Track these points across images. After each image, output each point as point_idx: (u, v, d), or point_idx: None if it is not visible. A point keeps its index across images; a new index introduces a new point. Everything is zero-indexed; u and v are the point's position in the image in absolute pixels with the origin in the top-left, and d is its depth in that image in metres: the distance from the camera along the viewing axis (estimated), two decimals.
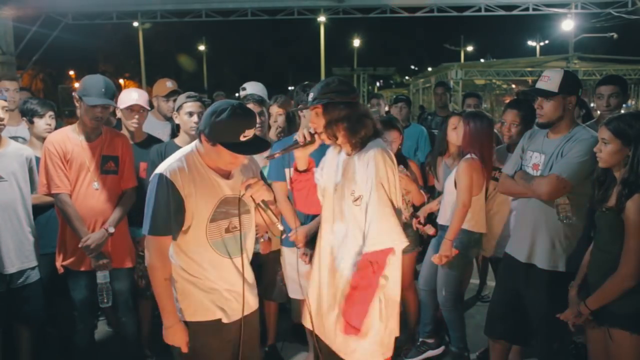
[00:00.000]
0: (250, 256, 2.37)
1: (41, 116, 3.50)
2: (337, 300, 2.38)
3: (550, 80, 2.70)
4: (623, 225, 2.28)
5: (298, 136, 2.35)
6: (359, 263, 2.28)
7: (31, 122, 3.53)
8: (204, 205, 2.17)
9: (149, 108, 3.57)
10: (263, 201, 2.23)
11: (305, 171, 2.46)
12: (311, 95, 2.35)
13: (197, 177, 2.17)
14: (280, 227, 2.27)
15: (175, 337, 2.18)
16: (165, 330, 2.19)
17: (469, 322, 4.23)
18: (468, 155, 3.32)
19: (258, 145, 2.17)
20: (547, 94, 2.69)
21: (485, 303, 4.62)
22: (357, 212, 2.30)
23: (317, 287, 2.49)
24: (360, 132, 2.29)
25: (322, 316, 2.46)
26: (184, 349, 2.19)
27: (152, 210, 2.13)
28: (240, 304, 2.26)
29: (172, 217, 2.13)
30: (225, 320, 2.23)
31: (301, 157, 2.42)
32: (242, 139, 2.08)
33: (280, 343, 3.78)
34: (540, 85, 2.75)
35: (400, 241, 2.29)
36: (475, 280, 4.77)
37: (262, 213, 2.25)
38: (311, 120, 2.36)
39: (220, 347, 2.24)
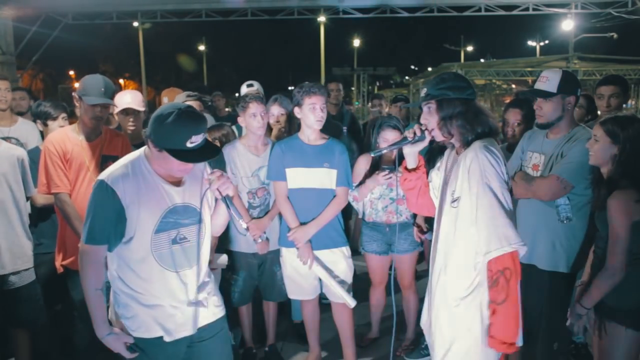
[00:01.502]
0: (203, 268, 2.22)
1: (54, 118, 3.52)
2: (437, 304, 2.22)
3: (548, 80, 2.69)
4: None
5: (408, 133, 2.22)
6: (488, 277, 2.04)
7: (45, 125, 3.54)
8: (148, 215, 2.03)
9: (142, 109, 3.55)
10: (227, 196, 2.12)
11: (415, 169, 2.31)
12: (424, 91, 2.24)
13: (142, 184, 2.03)
14: (244, 225, 2.18)
15: (111, 345, 2.09)
16: (102, 340, 2.10)
17: None
18: None
19: (206, 152, 2.02)
20: (546, 95, 2.68)
21: None
22: (453, 214, 2.13)
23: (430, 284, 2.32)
24: (475, 129, 2.11)
25: (431, 313, 2.30)
26: (126, 355, 2.10)
27: (90, 218, 2.02)
28: (189, 320, 2.15)
29: (110, 226, 2.01)
30: (167, 339, 2.11)
31: (410, 154, 2.27)
32: (188, 145, 1.93)
33: (280, 343, 3.78)
34: (539, 86, 2.74)
35: (518, 243, 2.02)
36: None
37: (227, 209, 2.15)
38: (423, 116, 2.22)
39: None
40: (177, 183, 2.12)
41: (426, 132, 2.19)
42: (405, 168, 2.33)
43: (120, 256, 2.09)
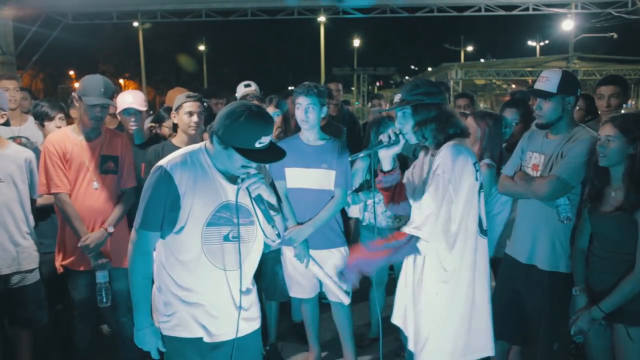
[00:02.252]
0: (250, 274, 2.19)
1: (51, 119, 3.52)
2: (409, 299, 2.36)
3: (548, 81, 2.67)
4: (636, 225, 2.28)
5: (383, 137, 2.29)
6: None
7: (42, 125, 3.55)
8: (202, 205, 2.01)
9: (144, 109, 3.55)
10: (259, 196, 2.05)
11: (390, 171, 2.35)
12: (398, 96, 2.33)
13: (200, 175, 2.03)
14: (274, 231, 2.09)
15: (146, 340, 2.07)
16: (137, 332, 2.07)
17: None
18: (488, 161, 3.20)
19: (274, 153, 2.02)
20: (545, 95, 2.67)
21: None
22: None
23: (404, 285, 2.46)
24: (447, 132, 2.25)
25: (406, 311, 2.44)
26: (154, 355, 2.09)
27: (145, 202, 2.01)
28: (228, 325, 2.09)
29: (164, 212, 2.00)
30: (206, 339, 2.07)
31: (386, 157, 2.32)
32: (257, 145, 1.93)
33: (281, 343, 3.78)
34: (538, 86, 2.72)
35: (425, 237, 2.19)
36: None
37: (257, 210, 2.08)
38: (398, 120, 2.32)
39: None
40: (234, 181, 2.08)
41: (400, 136, 2.28)
42: (381, 170, 2.38)
43: (169, 246, 2.06)
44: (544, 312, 2.74)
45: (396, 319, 2.50)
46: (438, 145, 2.27)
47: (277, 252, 3.40)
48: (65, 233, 3.04)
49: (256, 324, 2.23)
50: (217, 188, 2.05)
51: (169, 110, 3.82)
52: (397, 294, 2.50)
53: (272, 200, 2.10)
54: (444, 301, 2.27)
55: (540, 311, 2.77)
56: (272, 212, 2.08)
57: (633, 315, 2.33)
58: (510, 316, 2.94)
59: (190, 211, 2.01)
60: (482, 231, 2.31)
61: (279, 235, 2.13)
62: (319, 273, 3.23)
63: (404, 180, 2.46)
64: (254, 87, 4.50)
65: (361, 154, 2.39)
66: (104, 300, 3.00)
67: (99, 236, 2.98)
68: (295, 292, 3.40)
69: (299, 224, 3.20)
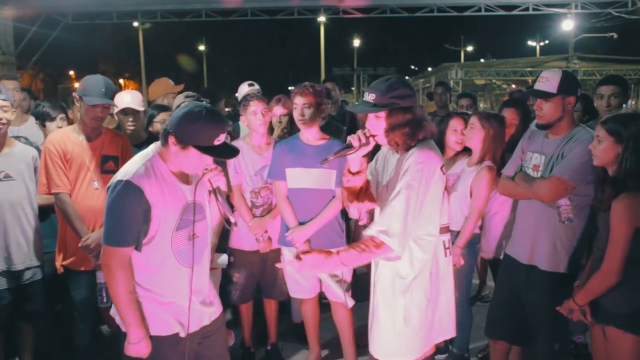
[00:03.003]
0: (207, 263, 2.29)
1: (53, 119, 3.54)
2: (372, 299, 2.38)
3: (548, 81, 2.67)
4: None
5: (352, 139, 2.24)
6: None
7: (43, 126, 3.56)
8: (171, 212, 2.08)
9: (141, 109, 3.54)
10: (218, 188, 2.19)
11: (358, 172, 2.35)
12: (372, 97, 2.21)
13: (162, 183, 2.07)
14: (233, 219, 2.25)
15: (140, 351, 2.09)
16: (131, 346, 2.08)
17: None
18: (489, 163, 3.22)
19: (230, 150, 2.14)
20: (546, 95, 2.66)
21: (485, 303, 4.62)
22: None
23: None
24: (418, 136, 2.22)
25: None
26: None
27: (118, 219, 2.02)
28: (198, 317, 2.20)
29: (138, 226, 2.02)
30: (182, 334, 2.15)
31: (355, 159, 2.31)
32: (215, 142, 2.03)
33: (281, 343, 3.78)
34: (538, 86, 2.72)
35: (396, 248, 2.13)
36: (475, 280, 4.77)
37: (216, 201, 2.21)
38: (369, 122, 2.25)
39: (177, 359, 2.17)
40: (187, 181, 2.17)
41: (371, 138, 2.23)
42: (349, 171, 2.36)
43: (142, 257, 2.08)
44: (544, 312, 2.74)
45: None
46: (407, 149, 2.23)
47: (277, 252, 3.40)
48: (66, 233, 3.05)
49: (220, 307, 2.37)
50: (177, 192, 2.12)
51: (158, 107, 3.85)
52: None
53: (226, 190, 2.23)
54: (405, 300, 2.28)
55: (540, 312, 2.77)
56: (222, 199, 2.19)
57: (610, 316, 2.35)
58: (510, 316, 2.95)
59: (161, 220, 2.05)
60: (439, 229, 2.30)
61: (235, 223, 2.34)
62: (322, 275, 3.22)
63: (369, 176, 2.44)
64: (257, 86, 4.52)
65: (331, 158, 2.29)
66: (104, 300, 3.00)
67: (100, 236, 2.97)
68: (295, 292, 3.40)
69: (300, 224, 3.20)
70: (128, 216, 2.01)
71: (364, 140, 2.22)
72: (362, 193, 2.41)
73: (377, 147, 2.38)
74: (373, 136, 2.23)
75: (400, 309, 2.29)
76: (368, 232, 2.18)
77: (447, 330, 2.42)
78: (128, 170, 2.05)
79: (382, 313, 2.37)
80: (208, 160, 2.09)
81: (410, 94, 2.22)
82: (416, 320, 2.29)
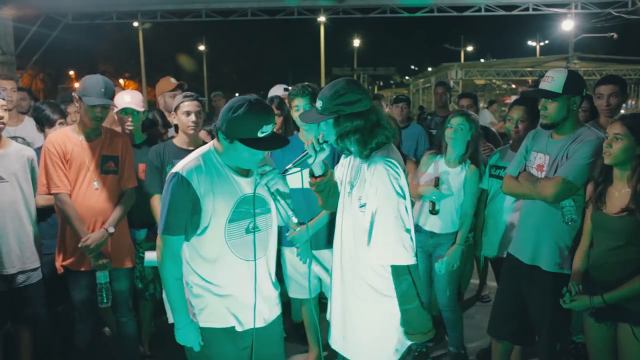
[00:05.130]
0: (272, 258, 2.31)
1: (52, 125, 3.52)
2: (341, 302, 2.33)
3: (553, 80, 2.63)
4: None
5: (308, 148, 2.25)
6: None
7: (42, 131, 3.55)
8: (222, 204, 2.11)
9: (141, 109, 3.55)
10: (278, 190, 2.19)
11: (322, 175, 2.35)
12: (320, 104, 2.19)
13: (215, 175, 2.11)
14: (295, 220, 2.23)
15: (188, 337, 2.14)
16: (178, 331, 2.15)
17: (468, 322, 4.23)
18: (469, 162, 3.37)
19: (277, 141, 2.13)
20: (551, 95, 2.63)
21: (485, 303, 4.63)
22: (361, 218, 2.21)
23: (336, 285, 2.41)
24: (371, 143, 2.18)
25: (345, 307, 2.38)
26: (196, 348, 2.16)
27: (166, 209, 2.08)
28: (260, 311, 2.21)
29: (186, 217, 2.08)
30: (239, 329, 2.18)
31: (316, 164, 2.31)
32: (259, 135, 2.02)
33: None
34: (543, 86, 2.68)
35: (405, 258, 2.12)
36: (475, 280, 4.77)
37: (278, 204, 2.22)
38: (321, 129, 2.25)
39: (235, 354, 2.20)
40: (246, 174, 2.19)
41: (325, 144, 2.23)
42: (313, 175, 2.36)
43: (194, 247, 2.14)
44: (546, 313, 2.73)
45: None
46: (366, 156, 2.20)
47: (277, 253, 3.40)
48: (66, 233, 3.04)
49: (279, 309, 2.37)
50: (232, 185, 2.14)
51: (159, 112, 3.89)
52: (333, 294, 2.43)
53: (287, 190, 2.26)
54: (383, 304, 2.23)
55: (543, 312, 2.76)
56: (288, 201, 2.22)
57: (639, 315, 2.32)
58: (513, 317, 2.94)
59: (212, 211, 2.09)
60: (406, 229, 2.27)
61: (296, 222, 2.31)
62: (321, 273, 3.22)
63: (337, 180, 2.43)
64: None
65: (291, 171, 2.26)
66: (104, 301, 3.01)
67: (100, 236, 2.98)
68: (295, 292, 3.40)
69: (301, 224, 3.20)
70: (175, 207, 2.07)
71: (317, 148, 2.22)
72: (332, 194, 2.41)
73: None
74: (327, 142, 2.23)
75: (378, 312, 2.25)
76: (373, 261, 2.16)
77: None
78: (182, 163, 2.14)
79: (357, 317, 2.29)
80: (257, 152, 2.08)
81: (359, 99, 2.14)
82: (394, 323, 2.24)
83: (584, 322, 2.56)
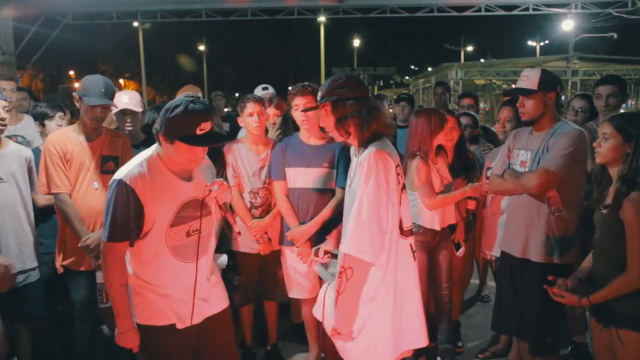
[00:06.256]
0: (211, 258, 2.35)
1: (51, 118, 3.52)
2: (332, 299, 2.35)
3: (528, 79, 2.80)
4: (622, 224, 2.27)
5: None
6: (340, 265, 2.22)
7: (42, 125, 3.55)
8: (165, 210, 2.12)
9: (139, 110, 3.54)
10: (225, 203, 2.25)
11: None
12: (319, 94, 2.30)
13: (158, 181, 2.11)
14: (237, 229, 2.34)
15: (128, 341, 2.17)
16: (119, 335, 2.17)
17: (469, 322, 4.24)
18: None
19: (215, 137, 2.16)
20: (527, 92, 2.78)
21: (485, 303, 4.63)
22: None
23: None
24: (371, 126, 2.21)
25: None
26: (136, 350, 2.19)
27: (110, 216, 2.08)
28: (200, 308, 2.24)
29: (130, 223, 2.08)
30: (179, 326, 2.19)
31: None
32: (198, 132, 2.03)
33: (281, 343, 3.78)
34: (520, 84, 2.85)
35: (370, 257, 2.15)
36: (475, 280, 4.78)
37: (226, 215, 2.26)
38: (321, 119, 2.31)
39: (178, 351, 2.21)
40: (188, 178, 2.20)
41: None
42: None
43: (135, 250, 2.15)
44: (536, 304, 2.78)
45: (317, 312, 2.48)
46: (362, 143, 2.23)
47: (278, 253, 3.40)
48: (66, 233, 3.05)
49: (225, 302, 2.40)
50: (175, 189, 2.15)
51: (155, 108, 3.86)
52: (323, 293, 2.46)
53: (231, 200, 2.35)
54: (369, 308, 2.24)
55: (533, 303, 2.81)
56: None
57: (623, 318, 2.32)
58: (512, 311, 2.98)
59: (155, 217, 2.10)
60: (403, 232, 2.28)
61: (239, 232, 2.48)
62: (322, 273, 3.22)
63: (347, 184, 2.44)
64: (270, 90, 4.53)
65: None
66: (104, 301, 3.00)
67: (100, 236, 2.97)
68: (295, 292, 3.40)
69: (301, 224, 3.21)
70: (119, 214, 2.07)
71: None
72: None
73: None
74: (328, 132, 2.32)
75: (364, 317, 2.24)
76: (342, 249, 2.19)
77: (418, 338, 2.37)
78: (123, 170, 2.13)
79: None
80: (198, 151, 2.09)
81: (355, 84, 2.25)
82: (384, 327, 2.25)
83: (589, 322, 2.57)
